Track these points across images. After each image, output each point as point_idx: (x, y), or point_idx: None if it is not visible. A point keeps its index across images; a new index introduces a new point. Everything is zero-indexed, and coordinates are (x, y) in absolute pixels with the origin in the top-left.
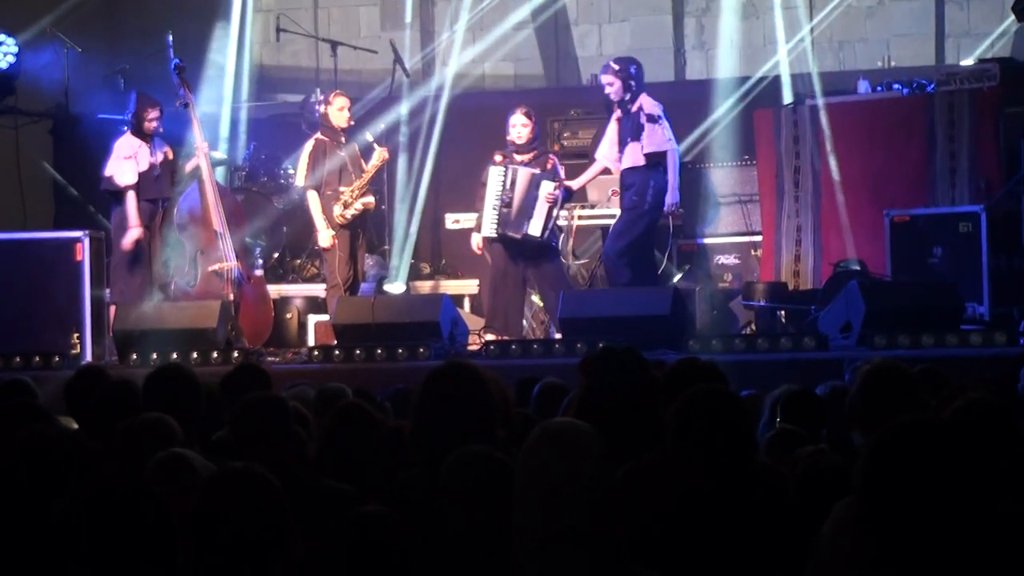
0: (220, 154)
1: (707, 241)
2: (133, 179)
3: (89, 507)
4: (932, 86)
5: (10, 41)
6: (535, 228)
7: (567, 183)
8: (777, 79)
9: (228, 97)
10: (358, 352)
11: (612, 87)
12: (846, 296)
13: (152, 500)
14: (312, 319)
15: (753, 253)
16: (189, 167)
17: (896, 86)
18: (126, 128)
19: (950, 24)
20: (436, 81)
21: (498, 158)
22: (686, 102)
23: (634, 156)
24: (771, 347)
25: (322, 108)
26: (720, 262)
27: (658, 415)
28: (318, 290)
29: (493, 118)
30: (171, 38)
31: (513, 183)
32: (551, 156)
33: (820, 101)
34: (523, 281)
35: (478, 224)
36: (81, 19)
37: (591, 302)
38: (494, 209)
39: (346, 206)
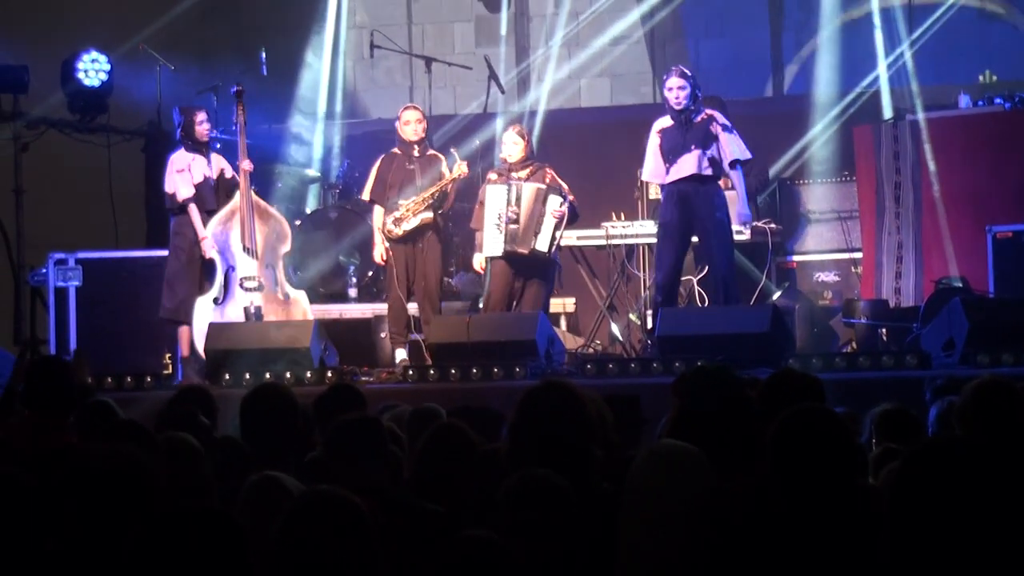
0: (313, 172)
1: (806, 258)
2: (190, 191)
3: (162, 532)
4: None
5: (102, 59)
6: (543, 244)
7: (571, 198)
8: (877, 94)
9: (322, 114)
10: (453, 372)
11: (683, 92)
12: (949, 313)
13: (224, 525)
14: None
15: (853, 270)
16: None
17: (998, 100)
18: (180, 145)
19: None
20: (531, 97)
21: (493, 176)
22: (785, 117)
23: (698, 163)
24: (872, 365)
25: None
26: (820, 279)
27: (753, 435)
28: (412, 309)
29: (589, 134)
30: (264, 55)
31: (519, 198)
32: (548, 170)
33: (920, 116)
34: (520, 297)
35: (479, 244)
36: (173, 36)
37: (689, 320)
38: (497, 227)
39: (397, 221)
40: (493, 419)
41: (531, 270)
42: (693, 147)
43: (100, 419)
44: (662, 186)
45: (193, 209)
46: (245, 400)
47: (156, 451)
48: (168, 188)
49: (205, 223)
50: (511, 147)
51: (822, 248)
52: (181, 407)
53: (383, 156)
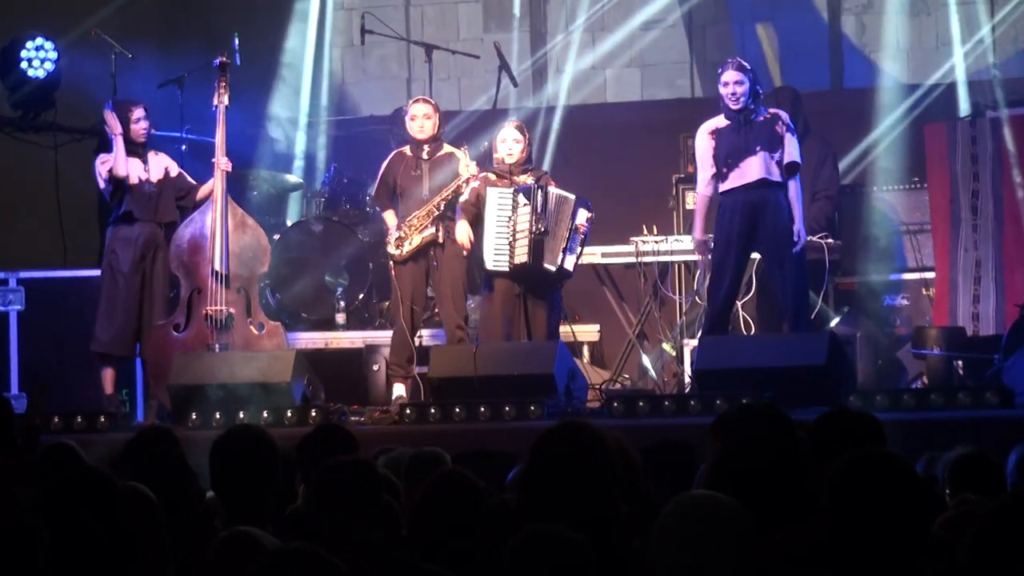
0: (294, 178)
1: (869, 279)
2: (125, 167)
3: None
4: None
5: (48, 45)
6: (570, 263)
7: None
8: (952, 87)
9: (304, 110)
10: (457, 411)
11: (742, 88)
12: None
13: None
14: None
15: (924, 292)
16: (203, 192)
17: None
18: (111, 147)
19: None
20: (549, 91)
21: (492, 176)
22: (844, 114)
23: (765, 166)
24: (947, 403)
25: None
26: (885, 303)
27: (805, 481)
28: (430, 337)
29: (616, 135)
30: (238, 41)
31: (544, 207)
32: (548, 177)
33: (1003, 113)
34: (525, 322)
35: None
36: (132, 20)
37: (732, 350)
38: (505, 236)
39: (399, 241)
40: (504, 465)
41: (538, 290)
42: (758, 148)
43: (59, 465)
44: (721, 194)
45: (117, 149)
46: (217, 444)
47: (118, 504)
48: (101, 183)
49: (135, 238)
50: (512, 145)
51: (887, 267)
52: (142, 453)
53: (392, 155)
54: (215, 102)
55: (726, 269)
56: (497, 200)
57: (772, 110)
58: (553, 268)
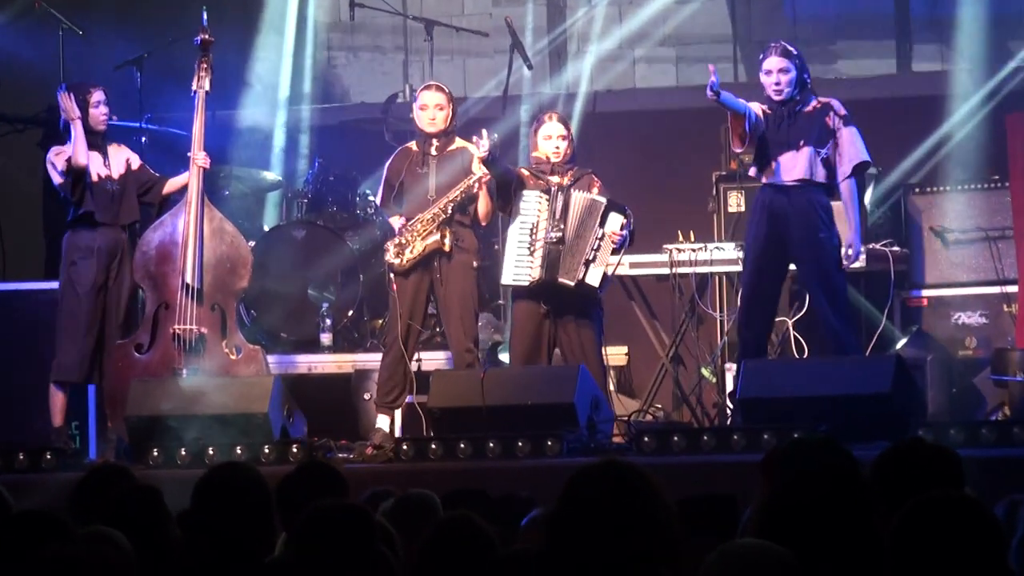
0: (272, 175)
1: (941, 293)
2: (85, 156)
3: None
4: None
5: None
6: (594, 277)
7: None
8: None
9: (284, 97)
10: (462, 446)
11: (786, 76)
12: None
13: None
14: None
15: (1006, 309)
16: (171, 186)
17: None
18: (65, 135)
19: None
20: (569, 75)
21: (526, 173)
22: (912, 102)
23: (809, 165)
24: None
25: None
26: (960, 322)
27: (868, 528)
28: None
29: (647, 126)
30: (206, 16)
31: (565, 211)
32: (594, 177)
33: None
34: (552, 344)
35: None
36: None
37: (782, 376)
38: (526, 246)
39: (400, 249)
40: (506, 509)
41: (571, 308)
42: (802, 143)
43: None
44: (759, 187)
45: (76, 137)
46: (201, 486)
47: (77, 549)
48: (56, 179)
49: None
50: (559, 143)
51: (962, 279)
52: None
53: (397, 152)
54: (194, 86)
55: (753, 283)
56: (523, 204)
57: (822, 99)
58: (571, 283)
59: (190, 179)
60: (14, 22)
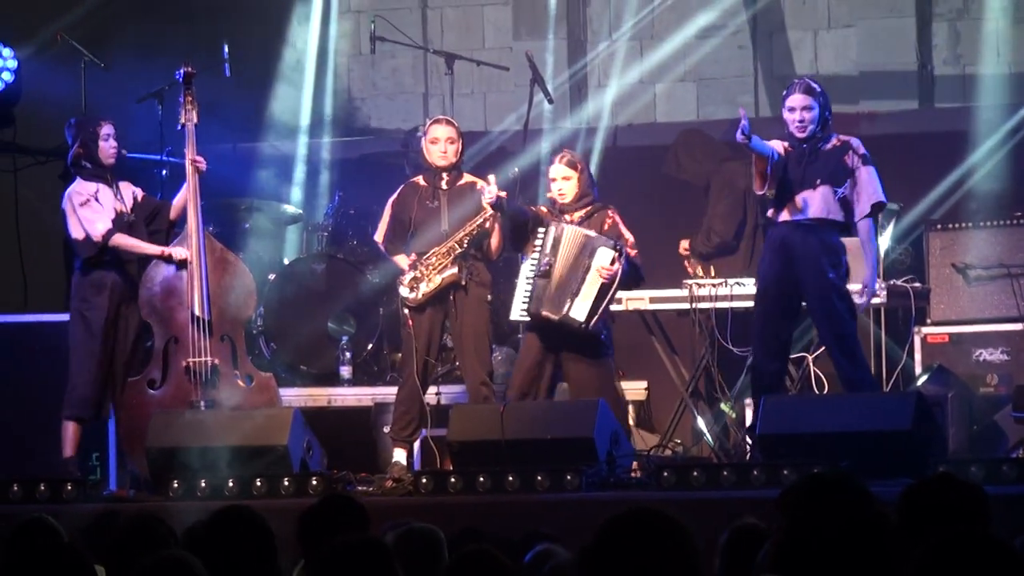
0: (292, 208)
1: (962, 330)
2: (108, 223)
3: None
4: None
5: (7, 52)
6: (579, 311)
7: (631, 253)
8: None
9: (304, 129)
10: (481, 479)
11: (810, 114)
12: None
13: None
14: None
15: None
16: (177, 207)
17: None
18: (73, 171)
19: None
20: (590, 109)
21: (544, 209)
22: (935, 137)
23: (825, 204)
24: None
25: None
26: (982, 358)
27: (888, 564)
28: (429, 394)
29: (719, 147)
30: (227, 49)
31: (556, 245)
32: (610, 212)
33: None
34: (553, 378)
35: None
36: (104, 23)
37: (801, 412)
38: (527, 280)
39: (414, 283)
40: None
41: (574, 345)
42: (819, 181)
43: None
44: (768, 225)
45: (123, 239)
46: (195, 532)
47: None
48: (75, 233)
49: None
50: (562, 184)
51: (984, 316)
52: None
53: (403, 187)
54: (181, 120)
55: (763, 319)
56: (533, 240)
57: (842, 137)
58: (555, 317)
59: (187, 181)
60: (37, 55)
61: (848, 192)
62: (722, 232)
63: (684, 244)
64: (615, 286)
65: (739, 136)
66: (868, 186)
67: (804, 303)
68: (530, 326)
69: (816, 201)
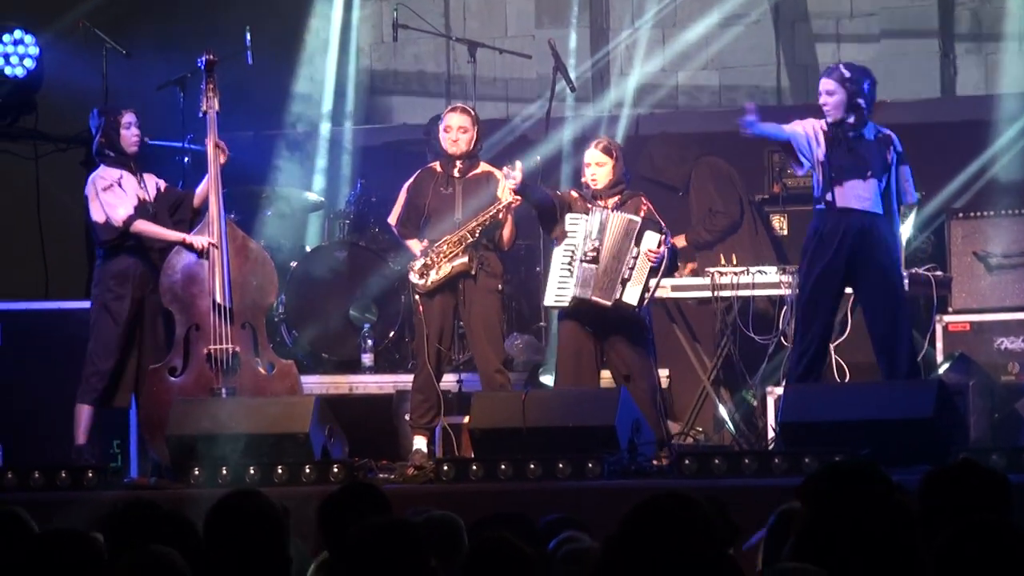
0: (315, 195)
1: (984, 318)
2: (130, 209)
3: None
4: None
5: (28, 39)
6: (631, 295)
7: (673, 239)
8: None
9: (326, 117)
10: (503, 467)
11: (833, 98)
12: None
13: None
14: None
15: None
16: (200, 195)
17: None
18: (98, 159)
19: None
20: (612, 97)
21: (575, 195)
22: (957, 127)
23: (874, 196)
24: None
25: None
26: (1003, 346)
27: (910, 552)
28: (449, 382)
29: (690, 147)
30: (250, 36)
31: (602, 231)
32: (643, 200)
33: None
34: (598, 364)
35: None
36: (126, 10)
37: (823, 400)
38: (567, 267)
39: (424, 270)
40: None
41: (617, 329)
42: (869, 174)
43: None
44: (817, 209)
45: (144, 225)
46: (209, 516)
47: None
48: (96, 216)
49: (132, 271)
50: (595, 170)
51: (1005, 304)
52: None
53: (420, 172)
54: (203, 107)
55: (816, 306)
56: (567, 226)
57: (884, 131)
58: (607, 302)
59: (209, 169)
60: (59, 42)
61: (886, 185)
62: (725, 209)
63: (681, 240)
64: (662, 269)
65: (741, 131)
66: (904, 183)
67: (850, 288)
68: (567, 313)
69: (870, 191)
